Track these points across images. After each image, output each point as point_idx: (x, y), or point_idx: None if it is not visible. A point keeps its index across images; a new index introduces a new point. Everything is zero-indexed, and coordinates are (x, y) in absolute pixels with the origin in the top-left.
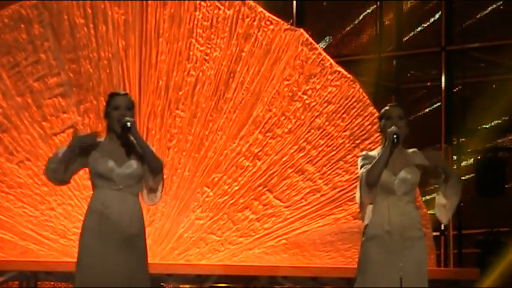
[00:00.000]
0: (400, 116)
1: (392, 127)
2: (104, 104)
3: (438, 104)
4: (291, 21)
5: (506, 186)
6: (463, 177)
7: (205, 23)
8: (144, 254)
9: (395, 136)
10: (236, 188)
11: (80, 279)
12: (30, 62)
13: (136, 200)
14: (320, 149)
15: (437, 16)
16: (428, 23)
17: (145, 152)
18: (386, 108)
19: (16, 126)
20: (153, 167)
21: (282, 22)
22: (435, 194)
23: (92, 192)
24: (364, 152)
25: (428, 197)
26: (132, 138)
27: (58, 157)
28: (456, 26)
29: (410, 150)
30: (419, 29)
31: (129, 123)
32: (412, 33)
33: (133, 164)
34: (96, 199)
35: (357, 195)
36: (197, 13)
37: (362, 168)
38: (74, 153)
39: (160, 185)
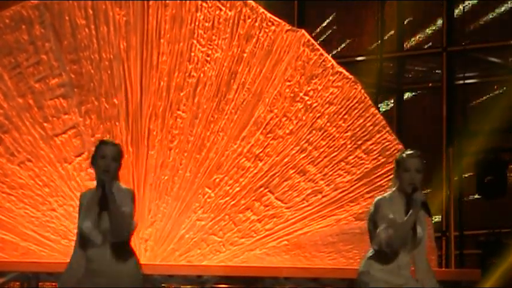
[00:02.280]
0: (418, 169)
1: (419, 194)
2: (105, 105)
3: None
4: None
5: (507, 187)
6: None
7: (206, 24)
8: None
9: (423, 204)
10: (237, 189)
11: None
12: (32, 63)
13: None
14: (321, 150)
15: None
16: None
17: (112, 216)
18: (404, 156)
19: (17, 127)
20: (115, 234)
21: (284, 23)
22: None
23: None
24: (378, 200)
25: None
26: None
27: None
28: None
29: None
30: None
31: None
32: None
33: (107, 220)
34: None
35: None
36: (198, 14)
37: (378, 227)
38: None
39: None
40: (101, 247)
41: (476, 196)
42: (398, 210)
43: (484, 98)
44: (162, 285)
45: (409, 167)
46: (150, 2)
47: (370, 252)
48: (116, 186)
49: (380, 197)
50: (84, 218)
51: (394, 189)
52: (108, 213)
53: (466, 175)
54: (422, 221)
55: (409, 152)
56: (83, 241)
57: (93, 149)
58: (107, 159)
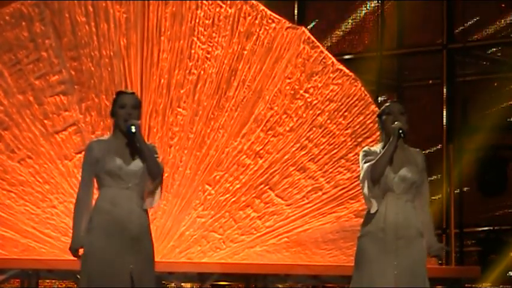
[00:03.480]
0: (401, 111)
1: (397, 122)
2: (106, 102)
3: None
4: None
5: (507, 184)
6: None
7: (206, 21)
8: (150, 254)
9: (400, 131)
10: (238, 186)
11: (86, 277)
12: (32, 60)
13: (142, 199)
14: (322, 147)
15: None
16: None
17: (146, 156)
18: (386, 104)
19: (17, 124)
20: (152, 172)
21: (284, 20)
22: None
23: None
24: (365, 148)
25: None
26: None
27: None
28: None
29: (414, 149)
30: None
31: (133, 128)
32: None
33: (140, 163)
34: (104, 198)
35: (364, 190)
36: (199, 11)
37: (365, 164)
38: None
39: (158, 190)
40: (128, 190)
41: (477, 193)
42: None
43: (484, 95)
44: (163, 282)
45: (391, 111)
46: (151, 0)
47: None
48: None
49: (366, 147)
50: (111, 160)
51: (381, 144)
52: (141, 155)
53: (466, 172)
54: (418, 165)
55: (389, 101)
56: (108, 181)
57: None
58: (127, 108)
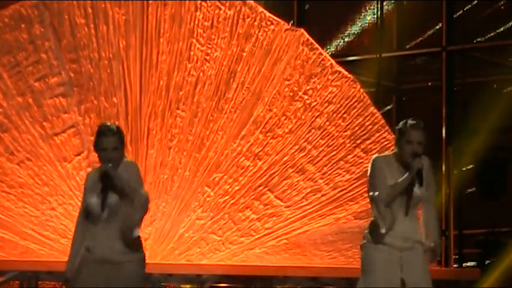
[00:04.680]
0: (420, 141)
1: (418, 161)
2: (105, 104)
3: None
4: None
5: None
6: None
7: (205, 23)
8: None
9: (418, 173)
10: (237, 187)
11: None
12: (31, 62)
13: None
14: (321, 149)
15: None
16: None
17: (128, 191)
18: (409, 127)
19: (17, 126)
20: (133, 203)
21: (283, 22)
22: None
23: None
24: (376, 158)
25: None
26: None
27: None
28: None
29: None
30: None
31: (109, 172)
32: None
33: (114, 195)
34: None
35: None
36: (198, 13)
37: (375, 186)
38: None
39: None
40: (107, 222)
41: (476, 195)
42: (394, 175)
43: (484, 97)
44: (162, 284)
45: (411, 139)
46: (150, 1)
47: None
48: (123, 164)
49: (377, 155)
50: (89, 195)
51: (392, 153)
52: (117, 192)
53: (466, 174)
54: (429, 183)
55: (412, 122)
56: (89, 217)
57: (92, 148)
58: (107, 152)
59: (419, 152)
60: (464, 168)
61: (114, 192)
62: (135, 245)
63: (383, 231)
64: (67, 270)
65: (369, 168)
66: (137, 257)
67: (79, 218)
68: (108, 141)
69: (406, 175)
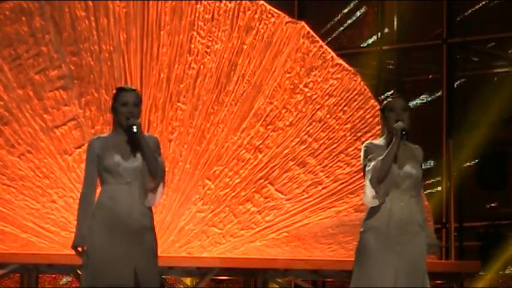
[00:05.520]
0: (404, 107)
1: (400, 122)
2: (105, 97)
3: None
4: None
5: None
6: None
7: (206, 16)
8: (153, 249)
9: (403, 132)
10: (237, 180)
11: (89, 274)
12: (32, 55)
13: (144, 195)
14: (321, 141)
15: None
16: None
17: (146, 154)
18: (389, 99)
19: (17, 119)
20: (151, 170)
21: (283, 15)
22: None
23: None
24: (367, 143)
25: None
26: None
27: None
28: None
29: (414, 145)
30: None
31: (135, 128)
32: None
33: (139, 158)
34: (105, 194)
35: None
36: (198, 6)
37: (368, 161)
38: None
39: (160, 188)
40: (127, 185)
41: (476, 188)
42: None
43: (484, 89)
44: (162, 276)
45: (394, 107)
46: None
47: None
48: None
49: (368, 141)
50: (109, 156)
51: (382, 137)
52: (142, 153)
53: (466, 166)
54: (419, 161)
55: (393, 95)
56: (108, 178)
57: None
58: (129, 106)
59: (405, 118)
60: (464, 161)
61: (139, 151)
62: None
63: (372, 205)
64: (76, 239)
65: (361, 154)
66: (153, 226)
67: (84, 188)
68: (129, 95)
69: (393, 141)
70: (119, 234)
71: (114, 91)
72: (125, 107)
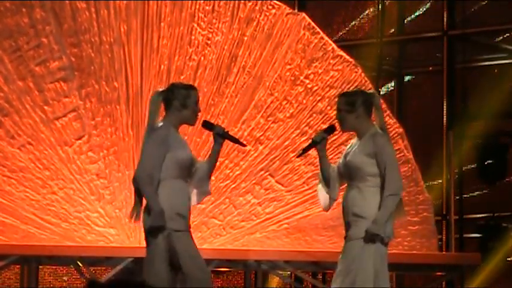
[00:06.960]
0: (340, 109)
1: (314, 136)
2: (106, 88)
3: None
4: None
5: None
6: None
7: (207, 7)
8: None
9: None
10: (238, 172)
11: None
12: (32, 46)
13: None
14: None
15: None
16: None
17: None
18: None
19: (18, 110)
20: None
21: (284, 6)
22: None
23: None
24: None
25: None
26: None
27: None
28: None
29: (370, 135)
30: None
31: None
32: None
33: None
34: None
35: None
36: None
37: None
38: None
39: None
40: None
41: (477, 180)
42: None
43: (485, 81)
44: None
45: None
46: None
47: None
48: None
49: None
50: (183, 149)
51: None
52: (216, 158)
53: (467, 158)
54: (376, 153)
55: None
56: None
57: (93, 132)
58: (198, 105)
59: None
60: (464, 153)
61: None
62: None
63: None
64: (156, 215)
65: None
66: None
67: (147, 180)
68: (198, 94)
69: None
70: None
71: (177, 87)
72: (197, 105)
